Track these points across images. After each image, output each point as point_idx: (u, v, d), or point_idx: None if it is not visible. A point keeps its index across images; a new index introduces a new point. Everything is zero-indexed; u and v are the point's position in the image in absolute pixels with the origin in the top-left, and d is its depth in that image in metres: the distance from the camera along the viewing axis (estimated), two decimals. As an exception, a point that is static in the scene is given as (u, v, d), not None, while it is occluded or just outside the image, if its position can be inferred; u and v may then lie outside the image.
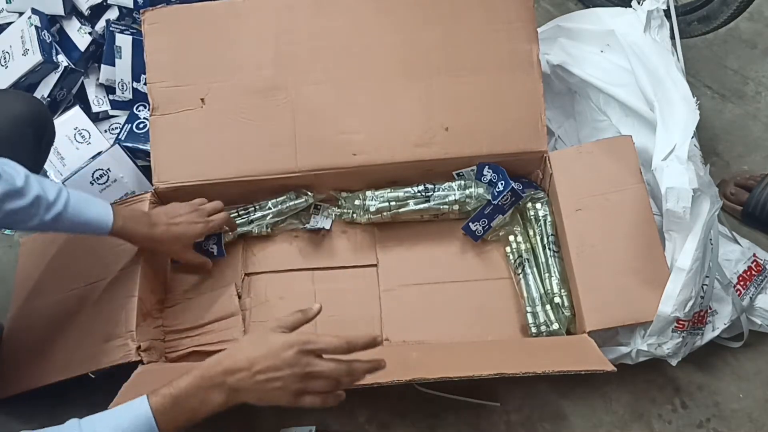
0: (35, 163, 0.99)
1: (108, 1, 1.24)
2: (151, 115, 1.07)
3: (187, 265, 1.06)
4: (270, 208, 1.10)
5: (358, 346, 0.71)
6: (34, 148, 0.89)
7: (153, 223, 0.95)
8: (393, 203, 1.07)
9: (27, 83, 1.20)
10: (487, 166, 1.06)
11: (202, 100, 1.07)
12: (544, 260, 1.04)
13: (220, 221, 1.02)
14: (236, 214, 1.10)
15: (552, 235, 1.05)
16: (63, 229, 0.86)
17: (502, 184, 1.04)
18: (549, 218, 1.06)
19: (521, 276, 1.05)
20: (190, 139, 1.07)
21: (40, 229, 0.84)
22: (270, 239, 1.12)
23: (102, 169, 1.16)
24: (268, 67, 1.07)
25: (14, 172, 0.79)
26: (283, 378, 0.68)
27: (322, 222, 1.09)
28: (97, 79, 1.26)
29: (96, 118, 1.28)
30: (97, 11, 1.26)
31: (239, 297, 1.05)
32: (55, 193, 0.83)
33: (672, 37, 1.11)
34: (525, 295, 1.03)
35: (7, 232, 1.23)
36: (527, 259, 1.05)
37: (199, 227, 0.99)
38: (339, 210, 1.11)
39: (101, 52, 1.24)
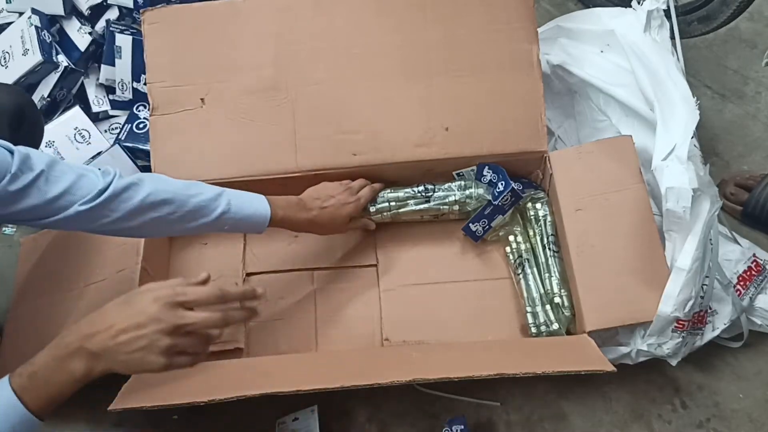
0: None
1: (108, 1, 1.24)
2: (151, 115, 1.07)
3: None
4: None
5: (232, 295, 0.65)
6: (9, 140, 0.87)
7: (308, 208, 0.95)
8: (393, 203, 1.07)
9: (27, 83, 1.20)
10: (487, 167, 1.06)
11: (202, 100, 1.07)
12: (544, 260, 1.04)
13: (368, 196, 1.03)
14: None
15: (552, 235, 1.05)
16: (227, 229, 0.86)
17: (502, 184, 1.04)
18: (549, 218, 1.06)
19: (521, 276, 1.05)
20: (190, 139, 1.07)
21: (205, 230, 0.84)
22: (270, 239, 1.12)
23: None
24: (268, 67, 1.07)
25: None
26: (148, 335, 0.60)
27: None
28: (97, 79, 1.26)
29: (96, 118, 1.28)
30: (97, 11, 1.26)
31: (239, 297, 1.05)
32: (217, 192, 0.84)
33: (672, 37, 1.11)
34: (525, 295, 1.03)
35: (7, 231, 1.23)
36: (527, 259, 1.05)
37: (350, 207, 0.99)
38: (339, 210, 1.11)
39: (101, 52, 1.24)
